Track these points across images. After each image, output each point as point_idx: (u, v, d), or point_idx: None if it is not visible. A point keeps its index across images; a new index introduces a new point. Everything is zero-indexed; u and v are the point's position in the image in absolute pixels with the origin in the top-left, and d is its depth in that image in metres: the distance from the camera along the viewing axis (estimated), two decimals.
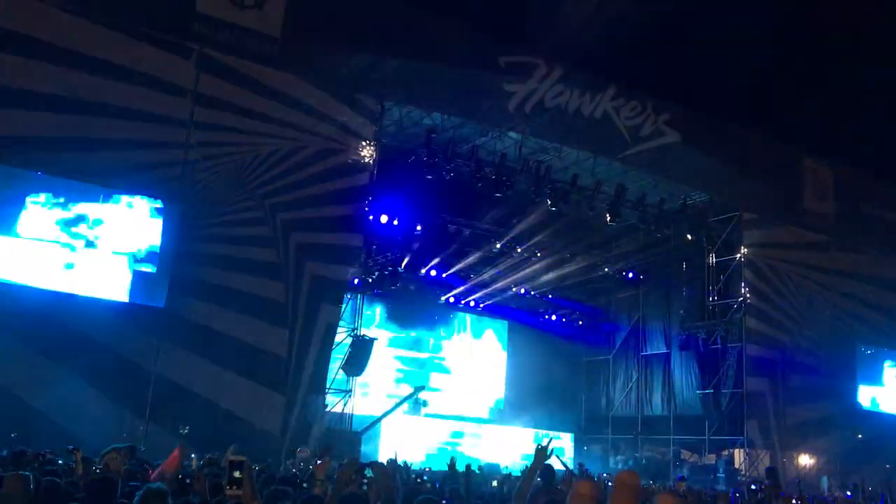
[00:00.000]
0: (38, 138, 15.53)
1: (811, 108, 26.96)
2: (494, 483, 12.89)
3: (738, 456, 23.78)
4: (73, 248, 16.07)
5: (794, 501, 5.73)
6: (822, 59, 28.16)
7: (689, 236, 25.23)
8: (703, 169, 23.36)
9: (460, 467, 14.03)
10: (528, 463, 5.49)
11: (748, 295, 24.46)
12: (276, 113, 17.99)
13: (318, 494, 5.46)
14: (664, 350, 27.44)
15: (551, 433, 23.46)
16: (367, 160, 19.38)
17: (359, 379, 21.53)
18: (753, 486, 14.83)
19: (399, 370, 26.39)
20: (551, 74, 20.69)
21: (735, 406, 24.07)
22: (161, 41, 16.68)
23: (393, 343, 26.64)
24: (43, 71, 15.41)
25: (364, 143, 19.35)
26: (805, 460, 24.01)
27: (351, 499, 4.41)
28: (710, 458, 24.23)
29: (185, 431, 16.25)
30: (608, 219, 22.96)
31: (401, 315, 27.03)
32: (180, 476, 6.69)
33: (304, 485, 7.24)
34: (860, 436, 24.58)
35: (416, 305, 27.23)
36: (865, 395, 25.97)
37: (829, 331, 25.80)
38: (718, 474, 22.43)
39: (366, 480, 5.93)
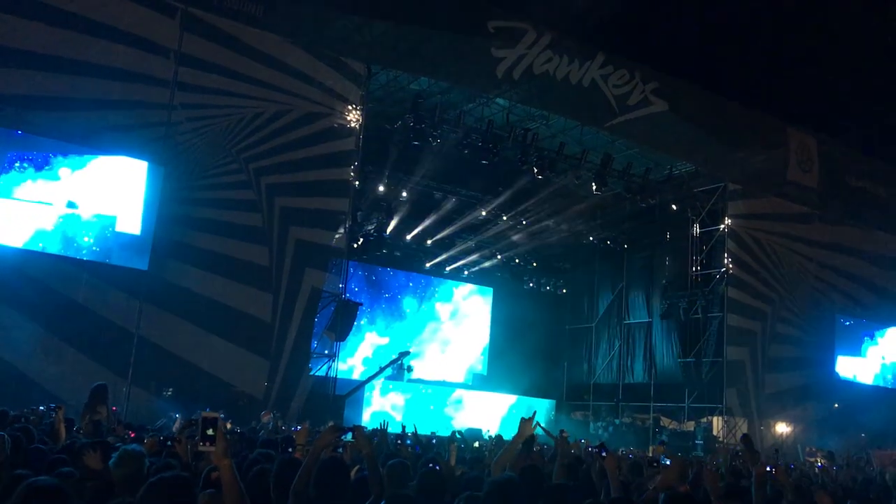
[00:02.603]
0: (18, 96, 15.26)
1: (798, 80, 26.95)
2: (476, 444, 13.04)
3: (717, 423, 24.12)
4: (54, 209, 15.90)
5: (769, 469, 5.84)
6: (810, 31, 28.11)
7: (673, 206, 25.37)
8: (690, 139, 23.36)
9: (444, 433, 14.16)
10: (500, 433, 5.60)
11: (731, 265, 24.63)
12: (260, 75, 17.77)
13: (297, 458, 5.49)
14: (646, 319, 27.67)
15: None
16: (352, 125, 19.22)
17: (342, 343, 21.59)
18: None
19: (383, 335, 26.50)
20: (540, 41, 20.51)
21: (715, 374, 24.35)
22: None
23: (377, 309, 26.73)
24: (22, 27, 15.11)
25: (350, 108, 19.18)
26: (782, 428, 24.39)
27: (330, 463, 4.44)
28: (689, 425, 24.59)
29: (169, 394, 16.28)
30: (594, 188, 22.99)
31: (385, 281, 27.10)
32: (162, 437, 6.70)
33: (290, 449, 7.28)
34: (836, 405, 24.98)
35: (401, 271, 27.28)
36: (844, 366, 26.33)
37: (810, 302, 26.09)
38: (696, 441, 22.79)
39: (342, 444, 5.95)
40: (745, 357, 24.51)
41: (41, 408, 9.15)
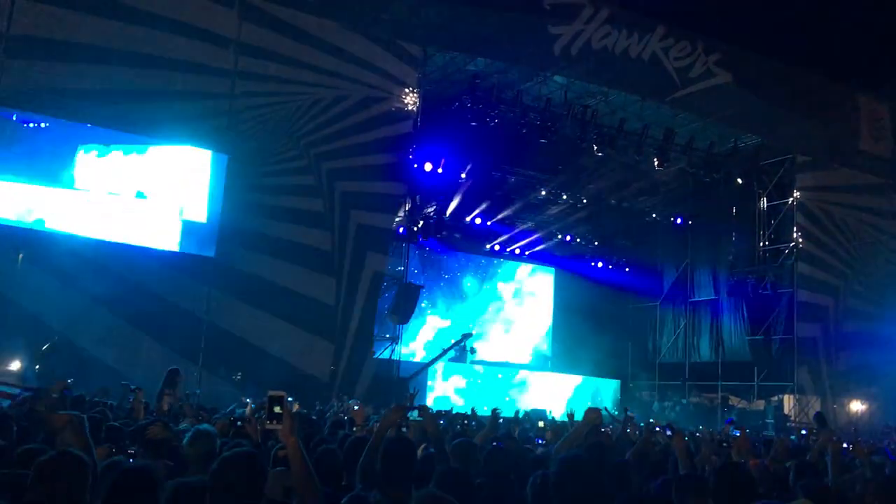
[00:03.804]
0: (86, 90, 15.66)
1: (867, 45, 25.89)
2: (541, 424, 12.98)
3: (788, 402, 23.57)
4: (124, 199, 16.37)
5: (845, 445, 5.70)
6: None
7: (739, 180, 24.69)
8: (755, 110, 22.65)
9: (508, 414, 14.17)
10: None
11: (800, 240, 23.96)
12: (318, 61, 17.94)
13: (363, 436, 5.57)
14: (713, 296, 27.10)
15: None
16: (410, 108, 19.26)
17: (405, 326, 21.73)
18: (804, 432, 14.72)
19: (445, 318, 26.59)
20: (598, 15, 20.13)
21: (785, 352, 23.79)
22: None
23: (437, 290, 26.81)
24: (88, 23, 15.50)
25: (407, 91, 19.21)
26: (857, 406, 23.69)
27: (396, 441, 4.48)
28: (759, 404, 24.09)
29: (238, 378, 16.66)
30: (656, 163, 22.57)
31: (447, 263, 27.15)
32: (232, 419, 6.85)
33: (354, 429, 7.43)
34: None
35: (462, 253, 27.29)
36: None
37: (885, 275, 25.18)
38: (767, 420, 22.31)
39: (406, 423, 6.01)
40: (816, 334, 23.87)
41: (132, 386, 9.54)
